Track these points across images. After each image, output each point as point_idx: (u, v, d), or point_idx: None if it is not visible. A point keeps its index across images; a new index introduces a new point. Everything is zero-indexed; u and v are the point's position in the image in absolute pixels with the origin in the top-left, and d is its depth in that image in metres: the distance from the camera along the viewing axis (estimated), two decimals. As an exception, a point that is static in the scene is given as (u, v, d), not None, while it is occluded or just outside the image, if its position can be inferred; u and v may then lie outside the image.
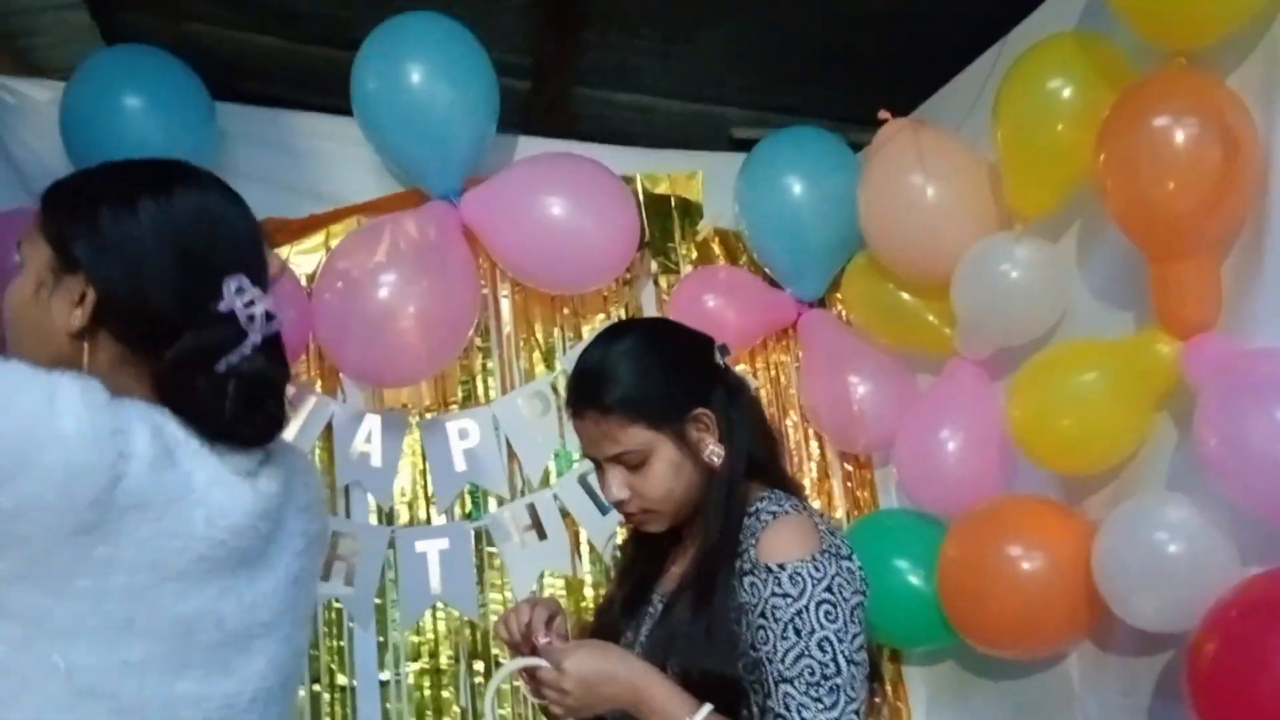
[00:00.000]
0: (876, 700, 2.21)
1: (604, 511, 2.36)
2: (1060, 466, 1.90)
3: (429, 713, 2.36)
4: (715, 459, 1.33)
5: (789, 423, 2.50)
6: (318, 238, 2.44)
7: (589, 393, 1.34)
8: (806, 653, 1.20)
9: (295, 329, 2.26)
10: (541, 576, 2.42)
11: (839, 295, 2.47)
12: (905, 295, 2.21)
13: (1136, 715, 1.85)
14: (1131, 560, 1.64)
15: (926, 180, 2.00)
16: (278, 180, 2.39)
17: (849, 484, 2.49)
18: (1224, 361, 1.58)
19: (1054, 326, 1.97)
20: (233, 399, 0.99)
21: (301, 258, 2.42)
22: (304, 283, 2.37)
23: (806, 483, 2.46)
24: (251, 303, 1.02)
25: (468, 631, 2.39)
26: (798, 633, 1.20)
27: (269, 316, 1.03)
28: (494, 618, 2.39)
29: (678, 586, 1.34)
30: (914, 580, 2.11)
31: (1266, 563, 1.54)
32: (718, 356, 1.39)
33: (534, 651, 1.27)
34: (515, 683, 1.38)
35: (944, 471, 2.10)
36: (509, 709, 2.34)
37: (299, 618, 1.10)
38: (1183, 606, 1.58)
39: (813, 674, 1.19)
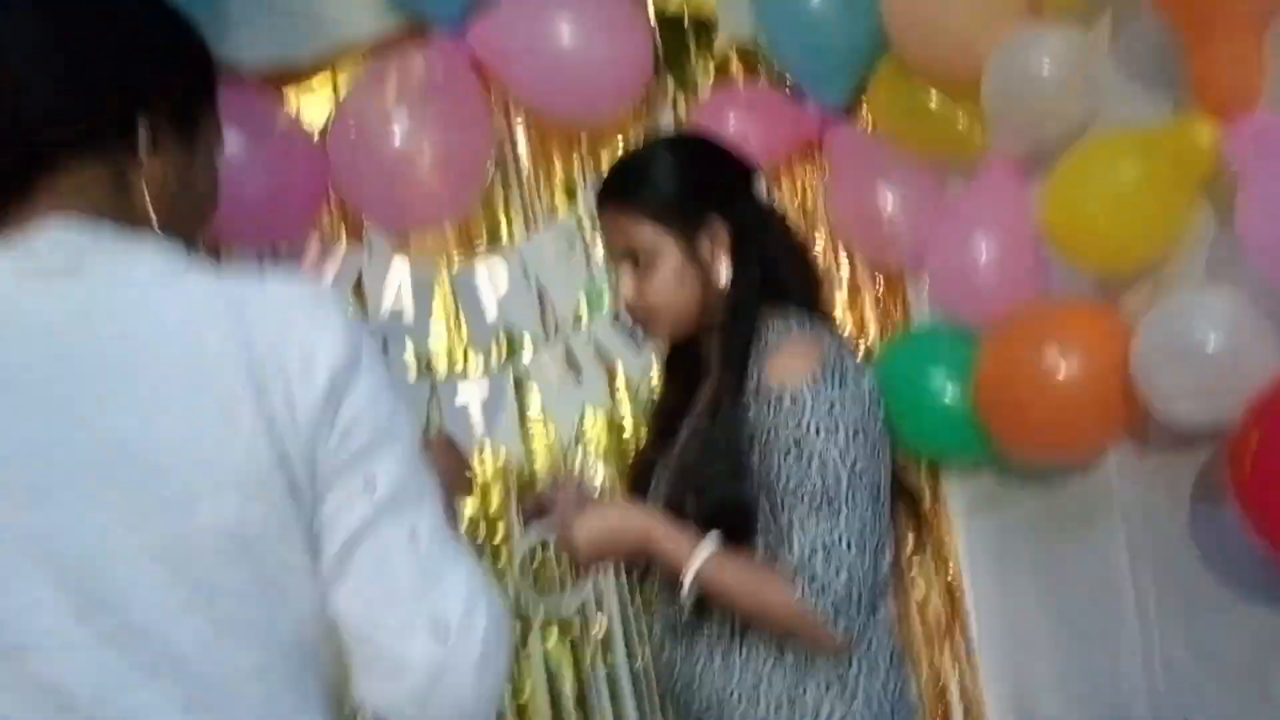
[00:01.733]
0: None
1: (638, 348, 2.36)
2: (1097, 265, 1.84)
3: (486, 551, 2.44)
4: (723, 278, 1.32)
5: (818, 243, 2.44)
6: (324, 82, 2.37)
7: (614, 185, 1.38)
8: (808, 474, 1.21)
9: (311, 180, 2.25)
10: (582, 416, 2.44)
11: (865, 105, 2.36)
12: (934, 97, 2.10)
13: (1177, 513, 1.86)
14: (1171, 355, 1.61)
15: (951, -28, 1.88)
16: (275, 25, 2.29)
17: (881, 303, 2.44)
18: (1268, 141, 1.50)
19: (1089, 118, 1.87)
20: None
21: (310, 103, 2.36)
22: (315, 136, 2.33)
23: (838, 302, 2.41)
24: None
25: (516, 473, 2.44)
26: (799, 455, 1.22)
27: None
28: (540, 457, 2.44)
29: (700, 413, 1.36)
30: (950, 394, 2.09)
31: (1310, 351, 1.50)
32: (758, 185, 1.37)
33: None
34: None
35: (978, 279, 2.05)
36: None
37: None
38: (1222, 400, 1.55)
39: (814, 495, 1.21)
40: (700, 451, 1.30)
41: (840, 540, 1.21)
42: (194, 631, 0.79)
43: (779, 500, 1.24)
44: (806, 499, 1.22)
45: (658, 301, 1.34)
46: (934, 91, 2.11)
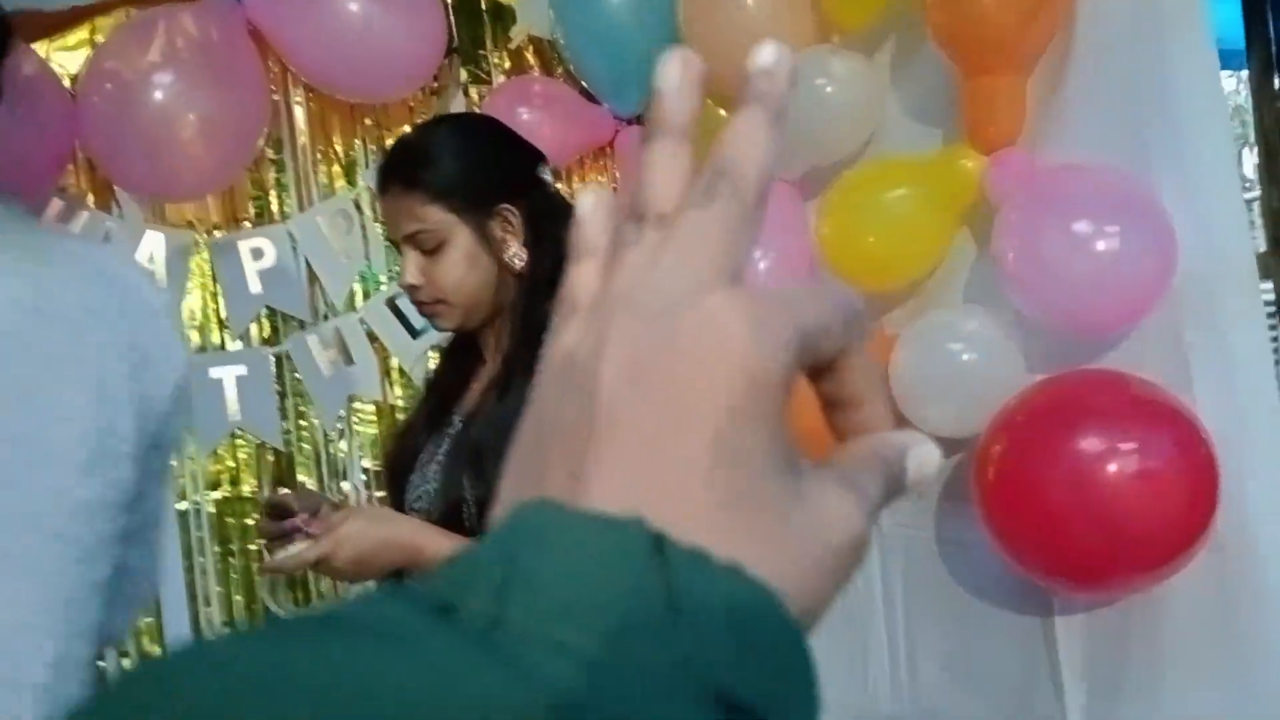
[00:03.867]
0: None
1: (415, 335, 2.28)
2: (866, 282, 1.93)
3: (233, 540, 2.30)
4: (517, 261, 1.30)
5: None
6: (81, 33, 2.18)
7: (394, 167, 1.32)
8: None
9: (59, 136, 2.05)
10: (350, 402, 2.35)
11: (656, 112, 2.40)
12: (723, 112, 2.15)
13: (924, 516, 1.97)
14: (926, 368, 1.71)
15: (746, -13, 1.93)
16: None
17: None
18: (1025, 177, 1.62)
19: (866, 144, 1.96)
20: None
21: (63, 55, 2.16)
22: (67, 84, 2.12)
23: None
24: None
25: (270, 458, 2.31)
26: None
27: None
28: (303, 444, 2.32)
29: (478, 401, 1.32)
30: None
31: (1052, 372, 1.62)
32: (544, 172, 1.36)
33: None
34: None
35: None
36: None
37: None
38: (972, 412, 1.66)
39: None
40: (484, 434, 1.27)
41: None
42: None
43: None
44: None
45: (449, 286, 1.30)
46: (723, 106, 2.16)
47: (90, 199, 2.21)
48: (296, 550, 1.23)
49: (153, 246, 2.21)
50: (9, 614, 0.78)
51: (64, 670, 0.79)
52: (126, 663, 2.24)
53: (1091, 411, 1.52)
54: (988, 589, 1.86)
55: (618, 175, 2.42)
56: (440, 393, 1.44)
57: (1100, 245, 1.51)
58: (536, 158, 1.36)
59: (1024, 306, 1.61)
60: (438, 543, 1.22)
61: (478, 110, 2.36)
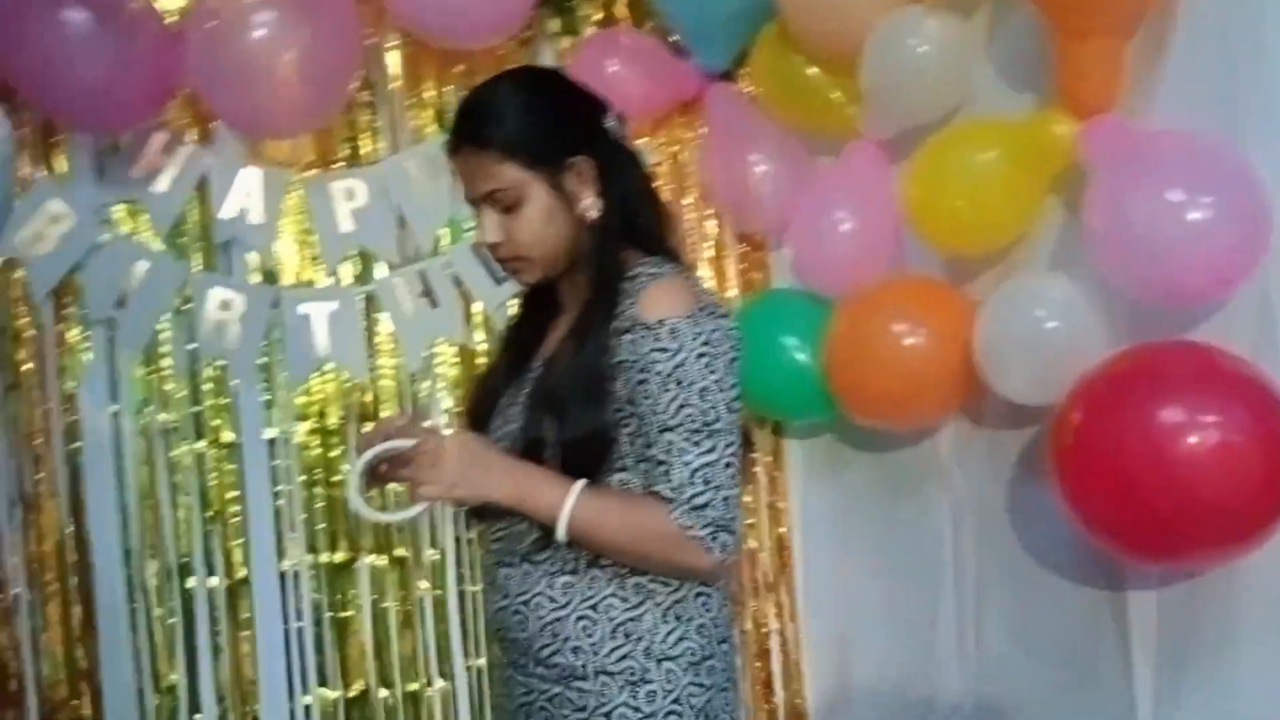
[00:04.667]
0: (754, 469, 2.33)
1: (498, 281, 2.32)
2: (952, 246, 1.93)
3: (317, 470, 2.38)
4: (593, 212, 1.32)
5: (687, 201, 2.46)
6: (187, -29, 2.23)
7: (466, 127, 1.32)
8: (687, 402, 1.24)
9: (161, 70, 2.11)
10: (433, 344, 2.40)
11: (745, 69, 2.39)
12: (812, 70, 2.14)
13: (999, 484, 1.97)
14: (1009, 334, 1.71)
15: (843, -56, 1.92)
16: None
17: (743, 265, 2.49)
18: (1118, 143, 1.60)
19: (958, 107, 1.94)
20: None
21: (171, -8, 2.22)
22: (171, 20, 2.19)
23: (702, 262, 2.45)
24: None
25: (357, 394, 2.38)
26: (679, 384, 1.24)
27: None
28: (385, 382, 2.39)
29: (557, 346, 1.35)
30: (800, 356, 2.15)
31: (1136, 342, 1.61)
32: (609, 120, 1.36)
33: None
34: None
35: (836, 252, 2.11)
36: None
37: None
38: (1053, 380, 1.65)
39: (693, 421, 1.24)
40: (565, 378, 1.30)
41: (717, 465, 1.24)
42: None
43: (654, 428, 1.25)
44: (686, 425, 1.23)
45: (529, 241, 1.32)
46: (813, 65, 2.15)
47: (194, 134, 2.29)
48: (404, 515, 1.29)
49: (249, 183, 2.28)
50: None
51: None
52: (215, 581, 2.35)
53: (1172, 382, 1.50)
54: (1058, 558, 1.86)
55: (704, 130, 2.42)
56: (520, 339, 1.47)
57: (1192, 215, 1.49)
58: (601, 107, 1.36)
59: (1112, 275, 1.59)
60: (536, 472, 1.26)
61: (568, 62, 2.37)
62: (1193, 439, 1.46)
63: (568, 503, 1.24)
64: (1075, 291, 1.66)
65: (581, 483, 1.26)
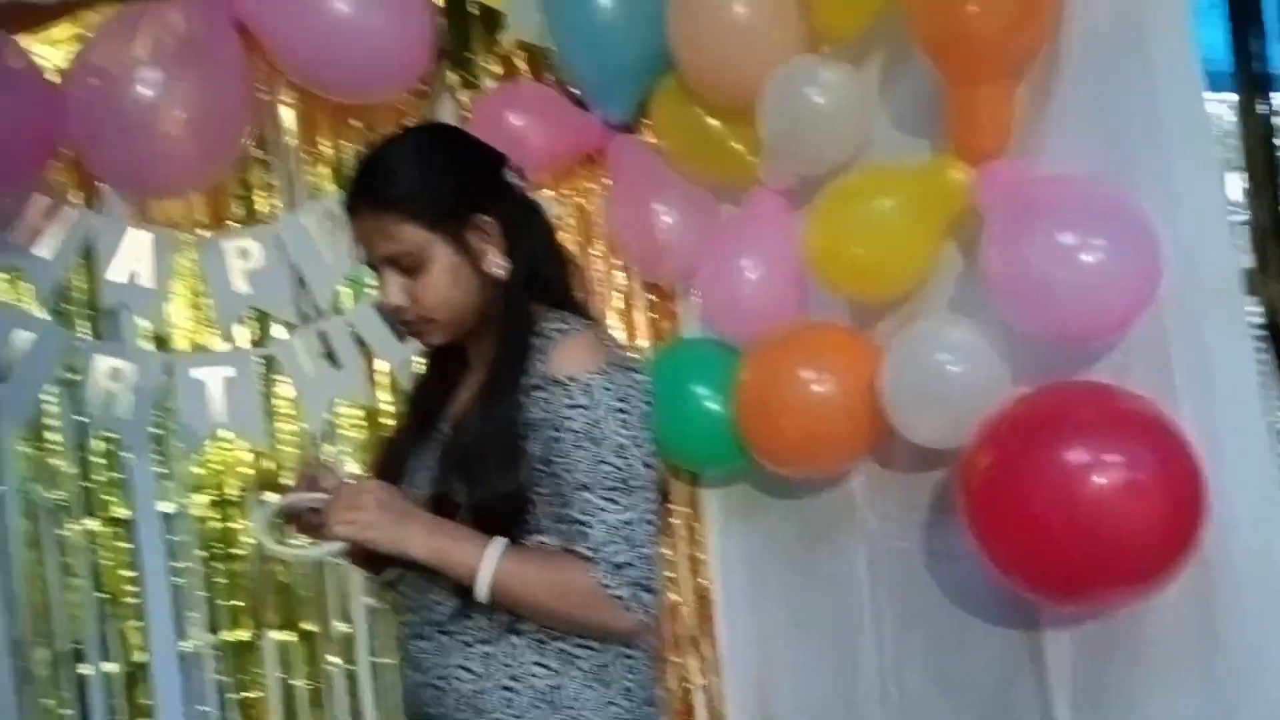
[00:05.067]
0: (672, 520, 2.30)
1: (402, 338, 2.26)
2: (853, 293, 1.93)
3: (217, 544, 2.29)
4: (498, 270, 1.30)
5: (595, 252, 2.45)
6: (67, 27, 2.17)
7: (365, 188, 1.29)
8: (603, 459, 1.22)
9: (42, 130, 2.04)
10: (335, 406, 2.33)
11: (647, 120, 2.39)
12: (712, 120, 2.15)
13: (913, 528, 1.96)
14: (913, 379, 1.71)
15: (736, -5, 1.93)
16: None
17: (653, 314, 2.48)
18: (1012, 187, 1.62)
19: (855, 155, 1.96)
20: None
21: (48, 49, 2.15)
22: (54, 78, 2.11)
23: (611, 313, 2.43)
24: None
25: (258, 461, 2.30)
26: (593, 441, 1.22)
27: None
28: (285, 448, 2.31)
29: (467, 406, 1.32)
30: (712, 405, 2.14)
31: (1037, 382, 1.62)
32: (508, 174, 1.34)
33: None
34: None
35: (742, 299, 2.11)
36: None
37: None
38: (959, 423, 1.65)
39: (610, 478, 1.22)
40: (476, 439, 1.27)
41: (636, 522, 1.22)
42: None
43: (569, 487, 1.23)
44: (603, 484, 1.21)
45: (435, 304, 1.29)
46: (712, 115, 2.16)
47: (75, 196, 2.20)
48: (319, 552, 1.26)
49: (138, 245, 2.19)
50: None
51: None
52: (111, 668, 2.23)
53: (1077, 423, 1.51)
54: (974, 601, 1.86)
55: (608, 181, 2.41)
56: (426, 400, 1.43)
57: (1086, 257, 1.51)
58: (500, 161, 1.34)
59: (1010, 317, 1.61)
60: (453, 530, 1.24)
61: (466, 115, 2.35)
62: (1098, 479, 1.47)
63: (489, 556, 1.21)
64: (976, 334, 1.67)
65: (502, 540, 1.22)
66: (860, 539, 2.10)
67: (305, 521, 1.33)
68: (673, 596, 2.42)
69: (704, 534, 2.46)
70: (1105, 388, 1.56)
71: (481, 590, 1.21)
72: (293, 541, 1.35)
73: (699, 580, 2.46)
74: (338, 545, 1.24)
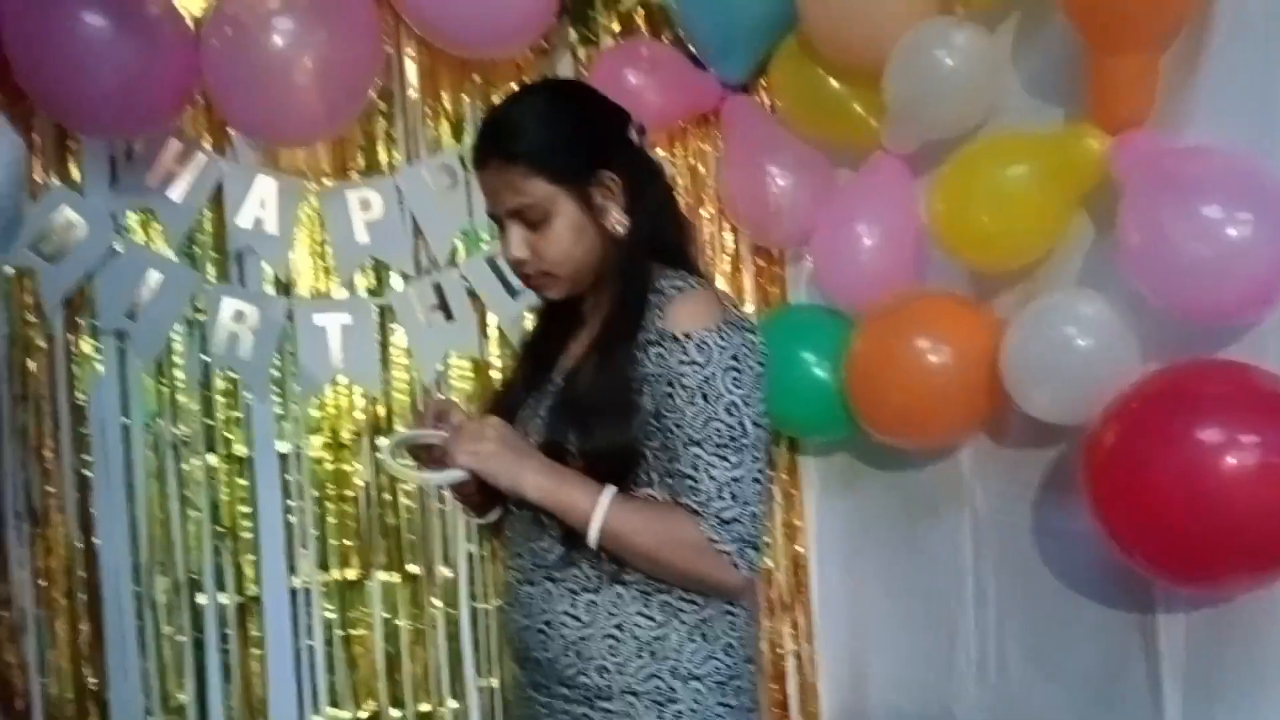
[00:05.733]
0: (771, 487, 2.30)
1: (514, 294, 2.30)
2: (978, 261, 1.90)
3: (330, 485, 2.36)
4: (619, 227, 1.31)
5: (704, 214, 2.45)
6: (207, -23, 2.22)
7: (494, 141, 1.30)
8: (714, 416, 1.22)
9: (180, 75, 2.10)
10: (447, 357, 2.38)
11: (765, 81, 2.37)
12: (834, 82, 2.12)
13: (1021, 504, 1.94)
14: (1038, 352, 1.67)
15: (868, -45, 1.90)
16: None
17: (760, 279, 2.47)
18: (1152, 158, 1.57)
19: (984, 121, 1.92)
20: None
21: (190, -1, 2.20)
22: (190, 24, 2.17)
23: (718, 276, 2.43)
24: None
25: (371, 407, 2.36)
26: (705, 397, 1.22)
27: None
28: (397, 395, 2.36)
29: (580, 359, 1.34)
30: (818, 372, 2.13)
31: (1167, 359, 1.58)
32: (632, 132, 1.35)
33: None
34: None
35: (858, 265, 2.08)
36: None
37: None
38: (1082, 399, 1.62)
39: (720, 435, 1.22)
40: (591, 391, 1.28)
41: (744, 479, 1.22)
42: None
43: (680, 442, 1.23)
44: (713, 440, 1.22)
45: (557, 257, 1.30)
46: (835, 77, 2.13)
47: (208, 141, 2.27)
48: (443, 477, 1.26)
49: (264, 191, 2.26)
50: None
51: None
52: (225, 599, 2.32)
53: (1210, 402, 1.47)
54: (1084, 581, 1.82)
55: (721, 143, 2.40)
56: (538, 353, 1.45)
57: (1228, 231, 1.46)
58: (625, 119, 1.35)
59: (1145, 292, 1.56)
60: (568, 476, 1.25)
61: (585, 72, 2.36)
62: (1229, 459, 1.42)
63: (601, 502, 1.23)
64: (1106, 308, 1.63)
65: (613, 487, 1.24)
66: (966, 513, 2.08)
67: (427, 456, 1.35)
68: (767, 562, 2.43)
69: (802, 501, 2.46)
70: (1241, 366, 1.50)
71: (592, 534, 1.23)
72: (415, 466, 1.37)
73: (795, 547, 2.46)
74: (458, 474, 1.26)
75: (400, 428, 1.32)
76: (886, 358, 1.95)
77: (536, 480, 1.24)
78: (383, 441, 1.32)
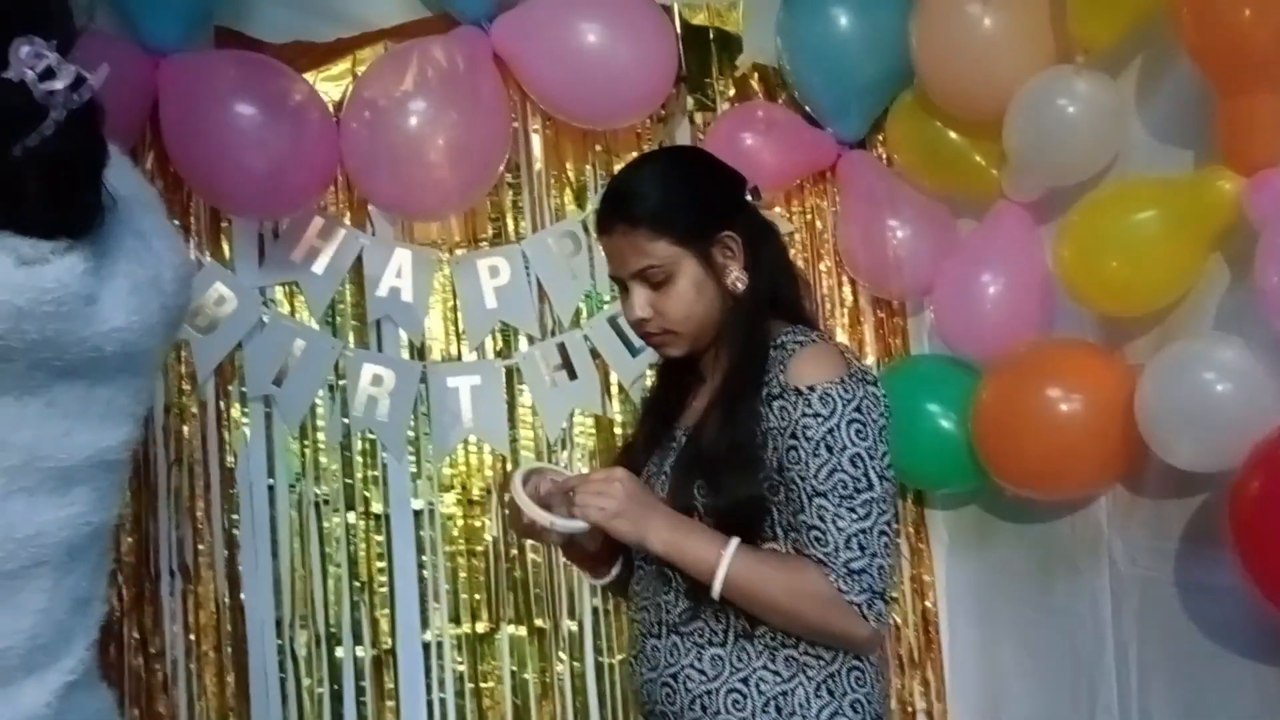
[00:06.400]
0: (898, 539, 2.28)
1: (634, 353, 2.36)
2: (1109, 308, 1.87)
3: (461, 540, 2.42)
4: (739, 285, 1.34)
5: (822, 268, 2.47)
6: (344, 64, 2.36)
7: (618, 207, 1.36)
8: (839, 468, 1.23)
9: (323, 159, 2.23)
10: (572, 415, 2.43)
11: (881, 137, 2.40)
12: (953, 134, 2.14)
13: (1164, 558, 1.87)
14: (1177, 399, 1.64)
15: (984, 9, 1.92)
16: (299, 2, 2.31)
17: (881, 331, 2.47)
18: (1290, 198, 1.54)
19: (1108, 167, 1.91)
20: (34, 189, 0.82)
21: (328, 85, 2.35)
22: (331, 110, 2.31)
23: (838, 330, 2.44)
24: (50, 71, 0.80)
25: (499, 465, 2.42)
26: (829, 449, 1.24)
27: (77, 83, 0.81)
28: (525, 453, 2.42)
29: (703, 414, 1.36)
30: (944, 423, 2.12)
31: (1314, 404, 1.53)
32: (748, 194, 1.39)
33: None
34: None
35: (983, 315, 2.08)
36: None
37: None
38: (1224, 446, 1.58)
39: (845, 487, 1.23)
40: (717, 445, 1.30)
41: (871, 532, 1.23)
42: None
43: (805, 494, 1.25)
44: (838, 491, 1.23)
45: (680, 316, 1.34)
46: (953, 129, 2.14)
47: (348, 217, 2.40)
48: (566, 524, 1.28)
49: (401, 262, 2.37)
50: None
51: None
52: (362, 652, 2.39)
53: (1365, 449, 1.42)
54: (1232, 638, 1.75)
55: (837, 199, 2.43)
56: (660, 411, 1.48)
57: (1377, 272, 1.42)
58: (741, 181, 1.40)
59: (1286, 335, 1.52)
60: (693, 527, 1.27)
61: (702, 137, 2.42)
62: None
63: (726, 554, 1.24)
64: (1245, 353, 1.59)
65: (737, 539, 1.25)
66: (1104, 567, 2.02)
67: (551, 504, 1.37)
68: (895, 618, 2.39)
69: (931, 556, 2.42)
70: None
71: (716, 585, 1.24)
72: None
73: (924, 603, 2.42)
74: (581, 524, 1.28)
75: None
76: (1017, 408, 1.93)
77: (661, 533, 1.26)
78: (513, 478, 1.35)
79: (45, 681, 0.87)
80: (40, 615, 0.87)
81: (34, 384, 0.85)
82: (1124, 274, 1.75)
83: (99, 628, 0.93)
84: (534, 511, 1.29)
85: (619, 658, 2.36)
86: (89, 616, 0.92)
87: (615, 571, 1.49)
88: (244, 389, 2.37)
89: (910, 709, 2.39)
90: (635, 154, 2.42)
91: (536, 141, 2.45)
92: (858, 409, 1.25)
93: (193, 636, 2.32)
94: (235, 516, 2.36)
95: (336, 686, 2.37)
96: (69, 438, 0.88)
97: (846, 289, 2.47)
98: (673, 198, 1.34)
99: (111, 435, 0.92)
